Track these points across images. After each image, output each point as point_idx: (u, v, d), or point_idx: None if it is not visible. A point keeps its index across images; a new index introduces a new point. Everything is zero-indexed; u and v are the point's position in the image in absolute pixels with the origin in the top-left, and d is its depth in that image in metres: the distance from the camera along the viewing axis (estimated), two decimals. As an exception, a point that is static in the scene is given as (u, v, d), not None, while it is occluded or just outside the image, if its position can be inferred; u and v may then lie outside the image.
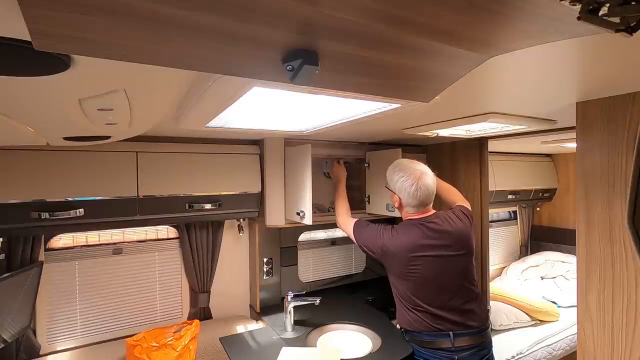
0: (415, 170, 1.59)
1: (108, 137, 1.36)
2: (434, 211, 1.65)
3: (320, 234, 2.61)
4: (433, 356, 1.55)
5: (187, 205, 1.81)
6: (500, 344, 2.28)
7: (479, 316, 1.59)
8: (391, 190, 1.66)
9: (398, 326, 1.74)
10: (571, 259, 3.25)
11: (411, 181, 1.56)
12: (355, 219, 1.77)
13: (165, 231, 2.13)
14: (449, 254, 1.55)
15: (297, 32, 0.55)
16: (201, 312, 2.14)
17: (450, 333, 1.51)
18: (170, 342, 1.63)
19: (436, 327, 1.53)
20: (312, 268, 2.56)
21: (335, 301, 2.30)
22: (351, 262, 2.74)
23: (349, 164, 2.48)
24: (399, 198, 1.62)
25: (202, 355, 1.82)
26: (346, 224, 1.80)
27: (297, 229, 2.39)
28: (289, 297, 1.94)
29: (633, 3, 0.40)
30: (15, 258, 1.62)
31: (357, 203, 2.40)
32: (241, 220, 2.22)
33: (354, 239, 1.72)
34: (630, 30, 0.44)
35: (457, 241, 1.57)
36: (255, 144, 2.05)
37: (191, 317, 2.13)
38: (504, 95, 1.18)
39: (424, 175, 1.58)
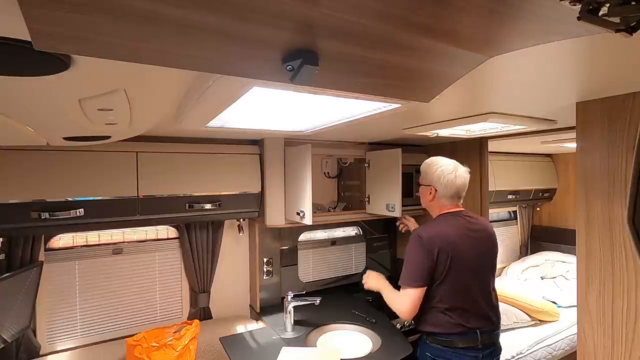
0: (451, 162, 1.65)
1: (108, 137, 1.36)
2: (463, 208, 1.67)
3: (320, 234, 2.61)
4: (462, 356, 1.50)
5: (187, 205, 1.81)
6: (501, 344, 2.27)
7: (497, 313, 1.61)
8: (426, 185, 1.66)
9: (417, 330, 1.62)
10: (571, 259, 3.24)
11: (450, 169, 1.60)
12: (402, 291, 1.53)
13: (165, 231, 2.13)
14: (482, 247, 1.58)
15: (297, 32, 0.55)
16: (201, 312, 2.14)
17: (478, 331, 1.50)
18: (170, 342, 1.63)
19: (467, 327, 1.49)
20: (312, 268, 2.56)
21: (335, 301, 2.30)
22: (351, 262, 2.74)
23: (348, 164, 2.48)
24: (435, 190, 1.62)
25: (202, 355, 1.82)
26: (401, 296, 1.53)
27: (297, 229, 2.38)
28: (289, 297, 1.94)
29: (633, 3, 0.40)
30: (15, 258, 1.61)
31: (357, 203, 2.40)
32: (241, 220, 2.22)
33: (416, 299, 1.48)
34: (630, 30, 0.44)
35: (487, 235, 1.62)
36: (255, 144, 2.05)
37: (191, 317, 2.13)
38: (504, 95, 1.18)
39: (460, 166, 1.64)
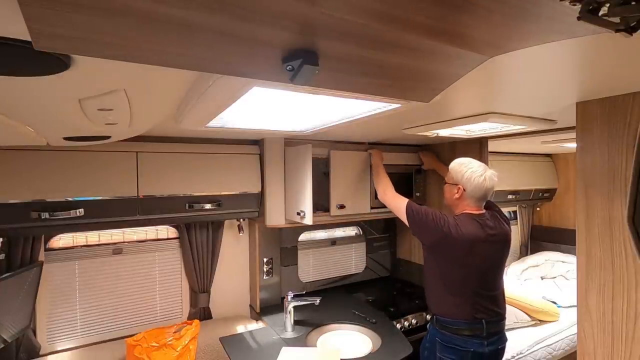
0: (481, 165, 1.73)
1: (108, 137, 1.36)
2: (485, 210, 1.76)
3: (320, 234, 2.61)
4: (466, 343, 1.62)
5: (187, 205, 1.81)
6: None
7: (503, 304, 1.73)
8: (452, 184, 1.74)
9: (429, 315, 1.80)
10: (571, 259, 3.24)
11: (481, 172, 1.68)
12: (406, 199, 1.81)
13: (165, 231, 2.13)
14: (496, 249, 1.70)
15: (297, 32, 0.55)
16: (201, 312, 2.14)
17: (483, 321, 1.62)
18: (170, 342, 1.63)
19: (475, 317, 1.63)
20: (312, 268, 2.56)
21: (335, 301, 2.30)
22: (351, 262, 2.74)
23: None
24: (463, 189, 1.69)
25: (202, 355, 1.82)
26: (395, 200, 1.85)
27: (297, 229, 2.39)
28: (289, 297, 1.94)
29: (633, 3, 0.40)
30: (15, 258, 1.61)
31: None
32: (241, 220, 2.22)
33: (404, 217, 1.76)
34: (630, 30, 0.44)
35: (503, 239, 1.72)
36: (255, 144, 2.05)
37: (191, 317, 2.13)
38: (504, 95, 1.18)
39: (488, 170, 1.72)
